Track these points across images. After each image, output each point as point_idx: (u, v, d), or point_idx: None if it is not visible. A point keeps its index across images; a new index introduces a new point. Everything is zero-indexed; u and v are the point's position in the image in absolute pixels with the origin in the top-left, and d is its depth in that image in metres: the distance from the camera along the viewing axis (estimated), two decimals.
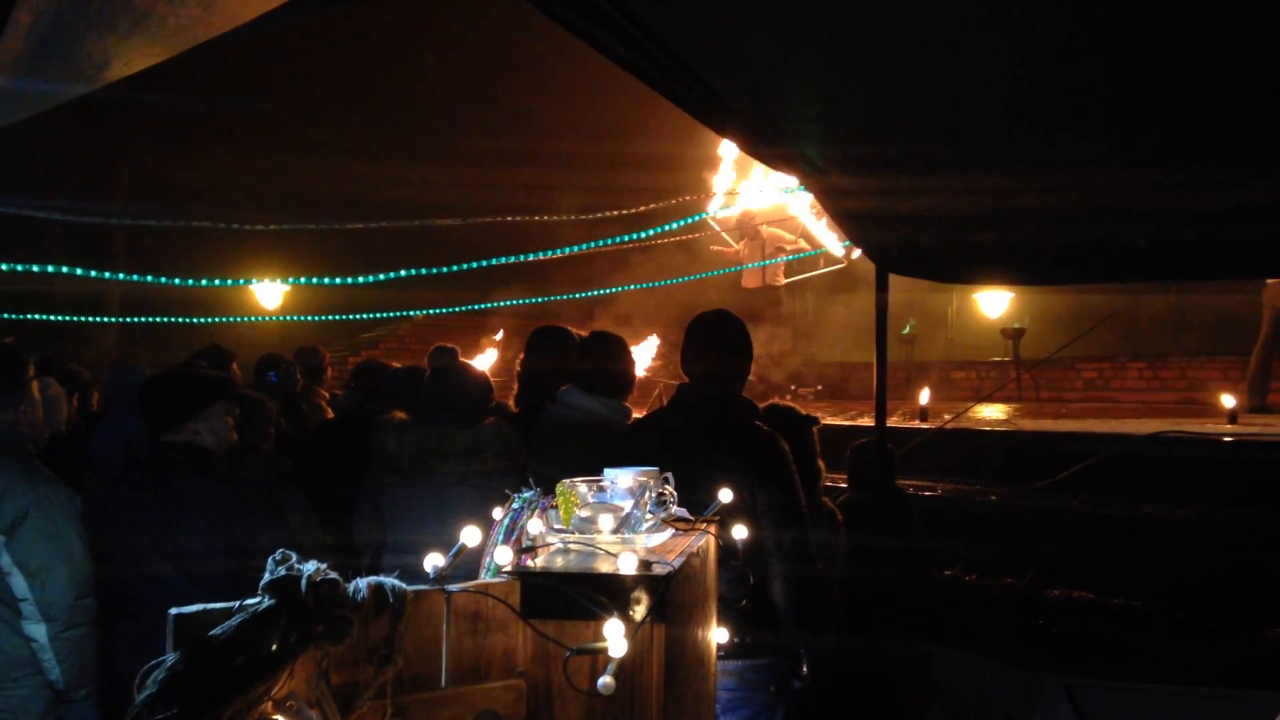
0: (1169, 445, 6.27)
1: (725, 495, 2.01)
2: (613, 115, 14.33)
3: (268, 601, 1.19)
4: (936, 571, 5.37)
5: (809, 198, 10.87)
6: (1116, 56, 3.12)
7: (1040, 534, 5.68)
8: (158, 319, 11.39)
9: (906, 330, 14.12)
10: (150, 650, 1.15)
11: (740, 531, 1.79)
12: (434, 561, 1.51)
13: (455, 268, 9.35)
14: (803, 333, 14.11)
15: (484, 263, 9.17)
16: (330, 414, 6.12)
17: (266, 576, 1.23)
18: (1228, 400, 8.40)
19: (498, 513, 2.38)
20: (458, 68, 16.83)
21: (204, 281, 9.44)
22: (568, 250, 9.39)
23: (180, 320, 11.10)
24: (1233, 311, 12.74)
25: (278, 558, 1.24)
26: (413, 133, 15.02)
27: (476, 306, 11.28)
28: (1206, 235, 3.89)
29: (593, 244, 9.32)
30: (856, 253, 11.24)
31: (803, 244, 11.66)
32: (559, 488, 1.67)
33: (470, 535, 1.51)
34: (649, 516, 1.65)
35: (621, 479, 1.76)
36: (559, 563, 1.51)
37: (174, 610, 1.21)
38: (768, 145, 4.20)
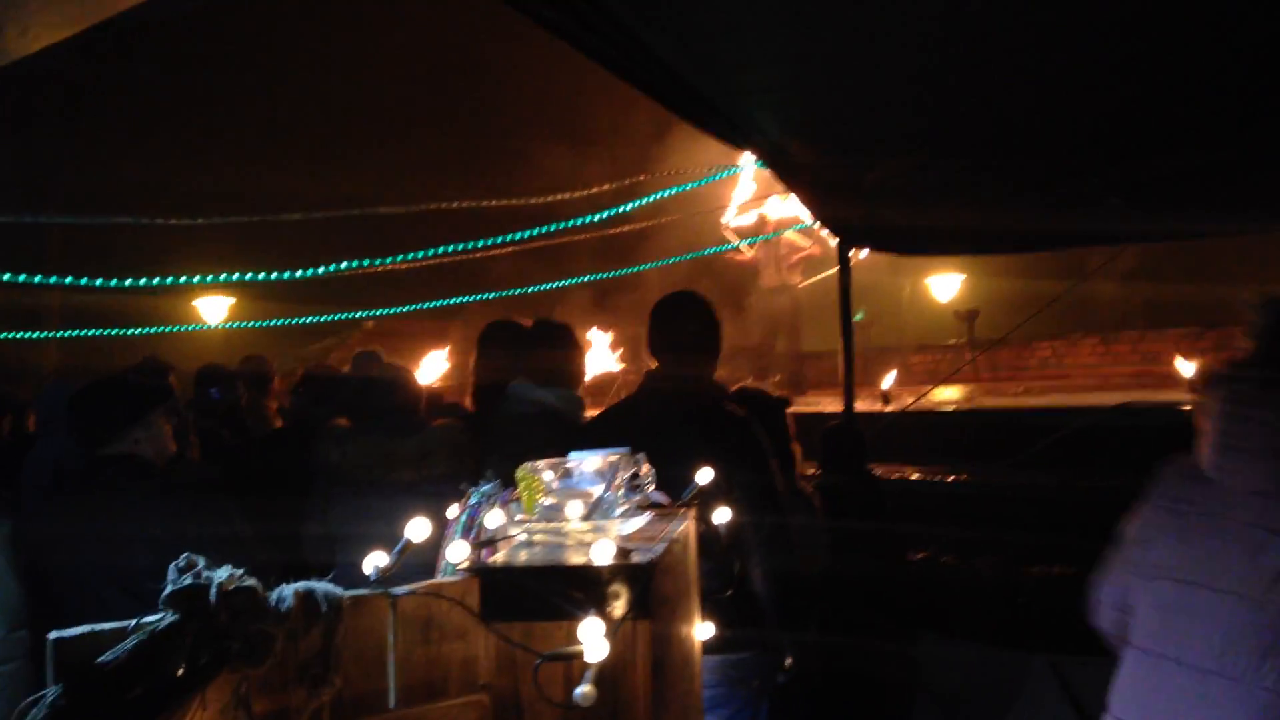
0: (1136, 415, 6.19)
1: (704, 476, 1.81)
2: (583, 103, 14.05)
3: (170, 617, 0.98)
4: (913, 555, 5.24)
5: None
6: (1079, 29, 3.01)
7: (1014, 511, 5.56)
8: (97, 332, 10.91)
9: (859, 316, 14.02)
10: None
11: (722, 515, 1.59)
12: (375, 561, 1.30)
13: (411, 255, 9.01)
14: (752, 320, 14.00)
15: (440, 250, 8.85)
16: (280, 424, 5.86)
17: (168, 586, 1.02)
18: (1185, 368, 8.38)
19: (454, 510, 2.17)
20: (416, 50, 16.34)
21: (142, 282, 8.99)
22: (524, 236, 9.05)
23: (121, 333, 10.66)
24: (1179, 287, 12.84)
25: (181, 564, 1.03)
26: (369, 123, 14.60)
27: (430, 305, 10.96)
28: (1168, 197, 3.78)
29: (556, 226, 9.01)
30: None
31: (816, 248, 11.53)
32: (520, 473, 1.47)
33: (418, 530, 1.30)
34: (623, 501, 1.45)
35: (589, 461, 1.57)
36: (523, 556, 1.31)
37: (53, 634, 1.00)
38: (723, 120, 4.04)
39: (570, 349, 4.01)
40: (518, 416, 3.85)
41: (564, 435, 3.77)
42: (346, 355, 14.67)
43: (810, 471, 4.66)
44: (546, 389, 3.84)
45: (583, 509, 1.46)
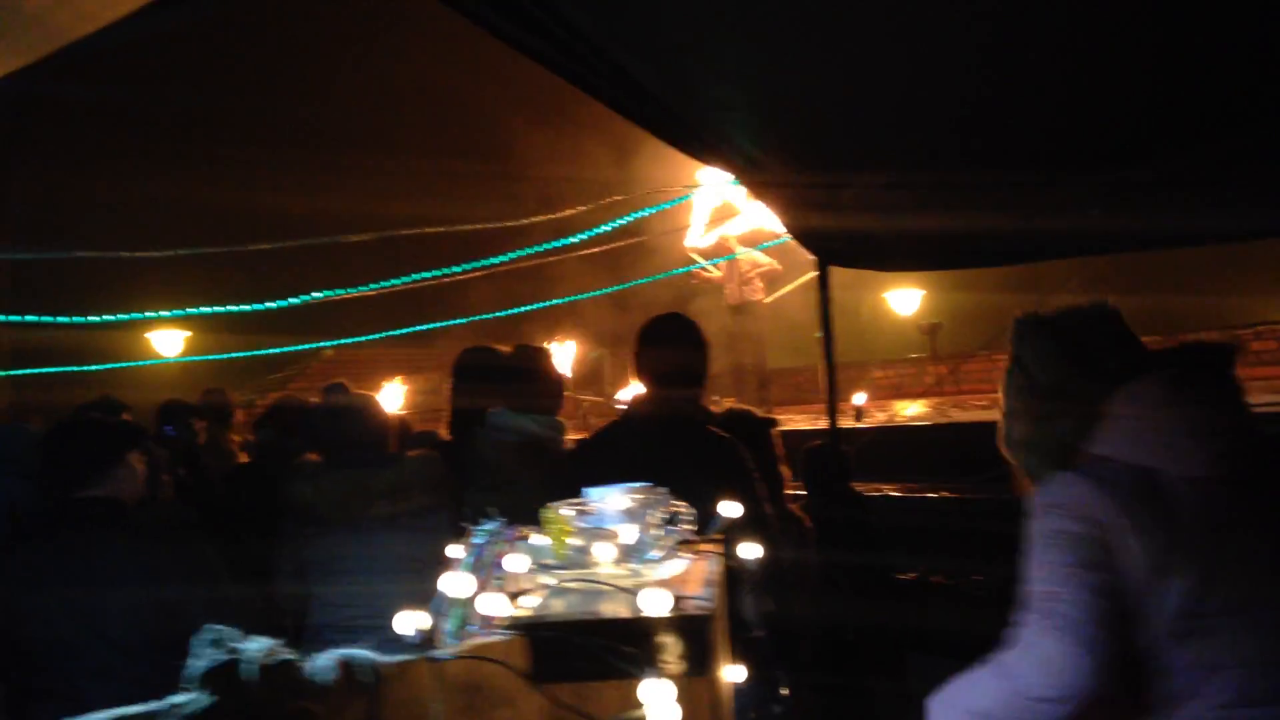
0: None
1: (730, 509, 1.73)
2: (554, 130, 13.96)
3: (204, 699, 0.88)
4: (902, 576, 5.17)
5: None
6: (1058, 46, 2.99)
7: (996, 525, 5.50)
8: (49, 370, 10.59)
9: (820, 334, 14.02)
10: None
11: (749, 551, 1.51)
12: (415, 622, 1.20)
13: (373, 286, 8.85)
14: (719, 342, 13.94)
15: (412, 278, 8.70)
16: (244, 458, 5.69)
17: (199, 663, 0.91)
18: None
19: (455, 549, 2.07)
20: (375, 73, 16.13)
21: (96, 319, 8.73)
22: (488, 262, 8.92)
23: (74, 370, 10.35)
24: (1141, 297, 12.95)
25: (210, 637, 0.93)
26: (329, 147, 14.39)
27: (392, 334, 10.79)
28: (1154, 207, 3.78)
29: (520, 252, 8.88)
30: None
31: (777, 265, 11.52)
32: (545, 514, 1.37)
33: (452, 585, 1.20)
34: (659, 543, 1.36)
35: (612, 499, 1.48)
36: (557, 607, 1.21)
37: None
38: (698, 139, 3.98)
39: (550, 375, 3.91)
40: (498, 445, 3.75)
41: (546, 463, 3.69)
42: (306, 385, 14.49)
43: (794, 492, 4.59)
44: (526, 416, 3.74)
45: (614, 552, 1.37)
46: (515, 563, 1.33)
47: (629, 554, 1.33)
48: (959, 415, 9.24)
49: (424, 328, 10.95)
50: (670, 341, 3.57)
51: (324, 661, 0.96)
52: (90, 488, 3.00)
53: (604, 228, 9.24)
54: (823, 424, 6.03)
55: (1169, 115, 3.38)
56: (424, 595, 3.78)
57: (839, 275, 12.46)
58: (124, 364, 11.30)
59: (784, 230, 11.47)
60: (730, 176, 4.68)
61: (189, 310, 9.48)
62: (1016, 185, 3.71)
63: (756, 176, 4.17)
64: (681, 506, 1.40)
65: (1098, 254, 4.87)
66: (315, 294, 8.79)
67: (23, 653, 2.86)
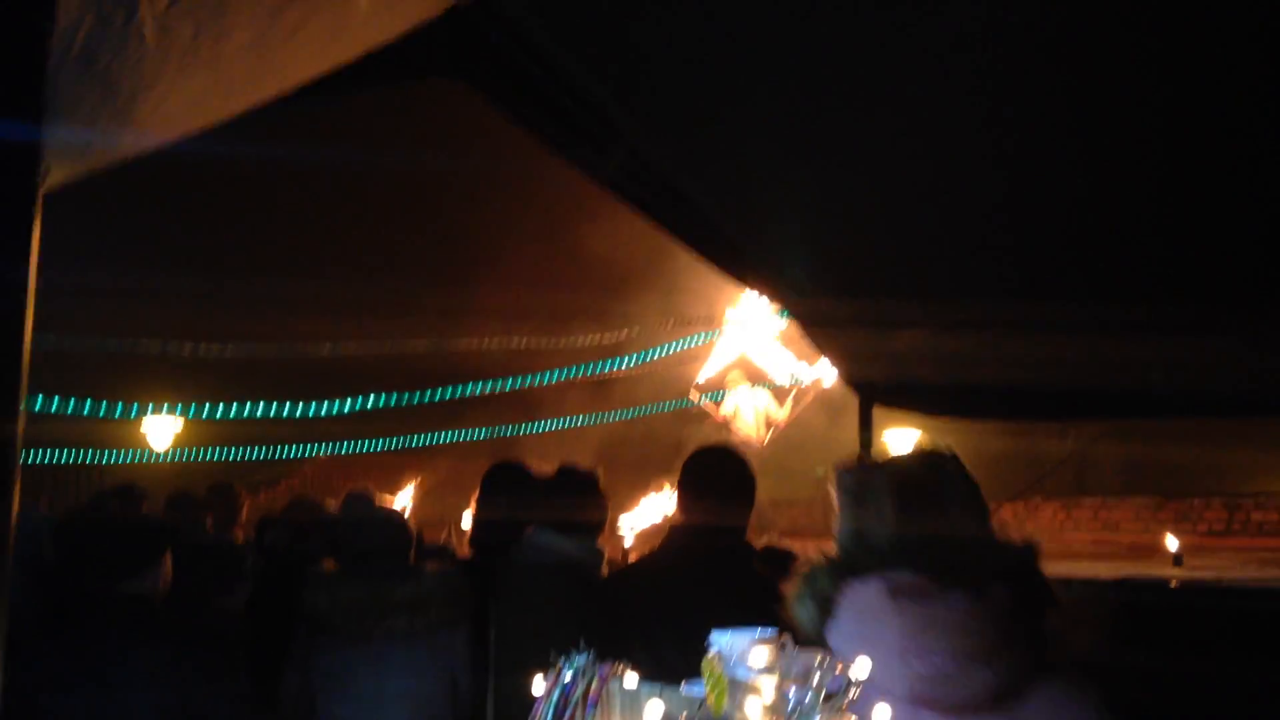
0: (1135, 591, 6.04)
1: (862, 669, 1.60)
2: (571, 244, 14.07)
3: None
4: None
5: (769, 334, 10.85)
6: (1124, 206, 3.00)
7: None
8: (44, 460, 10.34)
9: (820, 473, 13.98)
10: None
11: (883, 714, 1.39)
12: None
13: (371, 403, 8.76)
14: None
15: (419, 395, 8.62)
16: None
17: None
18: (1171, 542, 8.32)
19: (539, 686, 1.94)
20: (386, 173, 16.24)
21: (95, 410, 8.61)
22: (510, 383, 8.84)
23: (66, 462, 10.13)
24: (1137, 455, 12.99)
25: None
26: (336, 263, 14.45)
27: (393, 442, 10.65)
28: (1222, 376, 3.74)
29: (551, 375, 8.81)
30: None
31: (785, 417, 11.63)
32: (707, 664, 1.26)
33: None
34: (821, 709, 1.25)
35: (751, 650, 1.36)
36: None
37: None
38: (752, 267, 3.96)
39: (596, 498, 3.79)
40: (534, 565, 3.62)
41: (583, 588, 3.55)
42: (298, 485, 14.27)
43: None
44: (567, 538, 3.62)
45: (761, 712, 1.25)
46: (655, 710, 1.19)
47: (791, 714, 1.21)
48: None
49: (421, 443, 10.85)
50: (716, 475, 3.47)
51: None
52: (130, 584, 2.85)
53: (648, 354, 9.20)
54: None
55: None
56: (435, 715, 3.62)
57: (834, 413, 12.45)
58: (114, 454, 11.14)
59: (791, 378, 11.65)
60: (771, 306, 4.65)
61: (182, 412, 9.32)
62: (1084, 346, 3.68)
63: (804, 308, 4.14)
64: (850, 671, 1.28)
65: (1149, 418, 4.83)
66: (328, 407, 8.69)
67: None
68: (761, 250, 3.84)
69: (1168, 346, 3.57)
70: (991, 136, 2.71)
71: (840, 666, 1.26)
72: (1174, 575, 7.04)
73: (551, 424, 11.19)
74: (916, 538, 2.07)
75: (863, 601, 2.00)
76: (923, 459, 2.26)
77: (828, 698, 1.31)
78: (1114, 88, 2.38)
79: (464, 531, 6.76)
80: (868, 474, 2.28)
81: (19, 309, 0.89)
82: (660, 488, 8.34)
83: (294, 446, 11.62)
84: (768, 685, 1.29)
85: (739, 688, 1.29)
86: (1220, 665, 4.28)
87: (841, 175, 3.18)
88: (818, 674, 1.22)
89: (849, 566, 2.12)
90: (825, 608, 2.11)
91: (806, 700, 1.21)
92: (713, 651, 1.30)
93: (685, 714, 1.23)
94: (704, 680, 1.24)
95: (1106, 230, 3.17)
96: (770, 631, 1.65)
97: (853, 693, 1.24)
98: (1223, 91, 2.32)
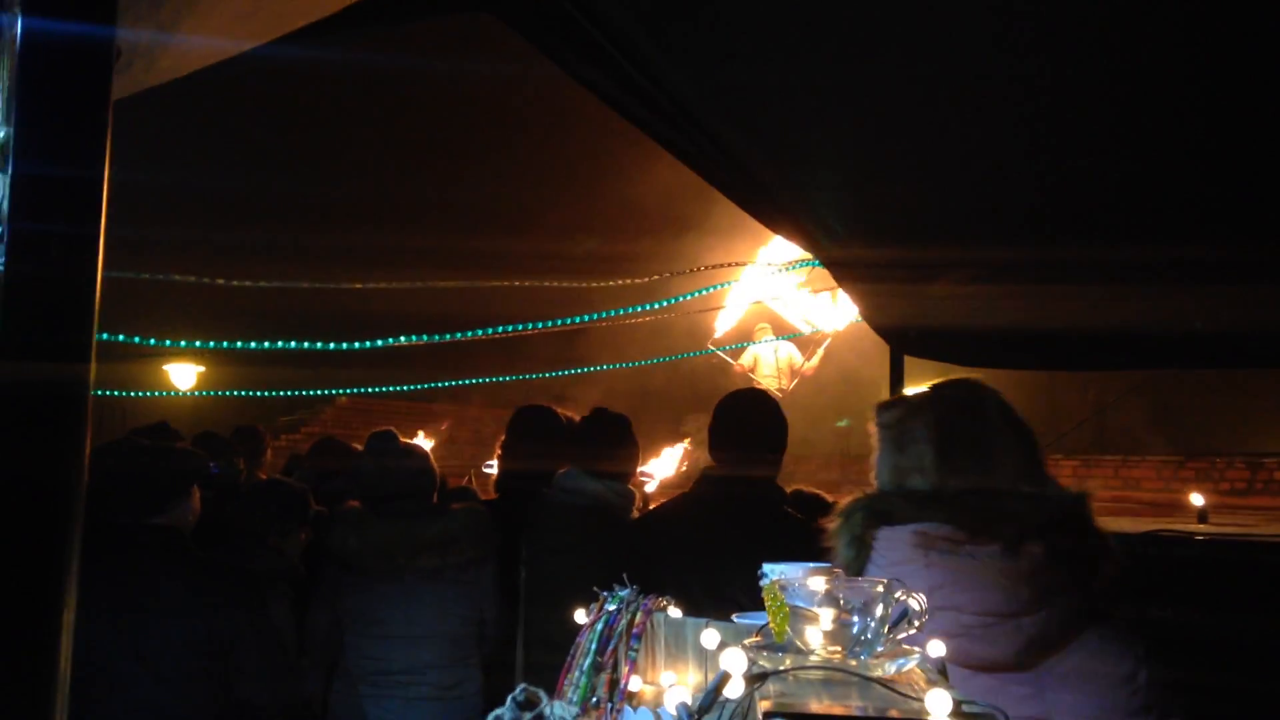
0: (1166, 545, 6.01)
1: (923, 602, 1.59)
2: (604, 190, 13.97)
3: None
4: None
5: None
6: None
7: None
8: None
9: (843, 423, 14.00)
10: None
11: (937, 649, 1.38)
12: (681, 692, 1.07)
13: (414, 338, 8.71)
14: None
15: (436, 337, 8.57)
16: None
17: None
18: (1196, 499, 8.29)
19: (581, 615, 1.94)
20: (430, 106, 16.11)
21: (121, 337, 8.58)
22: (541, 325, 8.77)
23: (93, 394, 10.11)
24: (1159, 412, 12.91)
25: (519, 698, 0.80)
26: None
27: (417, 386, 10.64)
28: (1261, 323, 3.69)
29: (579, 319, 8.74)
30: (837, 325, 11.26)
31: (811, 366, 11.57)
32: (768, 590, 1.24)
33: (734, 661, 1.07)
34: (887, 637, 1.23)
35: (808, 579, 1.35)
36: (818, 702, 1.07)
37: None
38: (781, 209, 3.91)
39: (628, 443, 3.79)
40: (565, 506, 3.63)
41: (614, 530, 3.56)
42: (318, 430, 14.33)
43: None
44: (600, 480, 3.62)
45: (821, 639, 1.24)
46: (732, 659, 1.18)
47: (853, 644, 1.20)
48: None
49: (445, 384, 10.85)
50: (749, 418, 3.47)
51: None
52: (158, 516, 2.87)
53: (680, 298, 9.10)
54: None
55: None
56: (461, 651, 3.65)
57: (858, 367, 12.39)
58: (135, 393, 11.17)
59: (810, 325, 11.59)
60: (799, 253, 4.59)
61: (206, 344, 9.27)
62: (1117, 293, 3.63)
63: (836, 254, 4.09)
64: (916, 601, 1.26)
65: (1182, 367, 4.78)
66: (370, 342, 8.62)
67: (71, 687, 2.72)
68: (796, 193, 3.78)
69: (1205, 292, 3.52)
70: (1029, 79, 2.66)
71: (901, 597, 1.25)
72: (1200, 531, 7.00)
73: (571, 371, 11.16)
74: (954, 489, 2.03)
75: (894, 549, 2.00)
76: (966, 401, 2.20)
77: (890, 629, 1.30)
78: (1151, 24, 2.33)
79: (486, 476, 6.79)
80: (909, 417, 2.24)
81: (93, 227, 0.86)
82: (682, 439, 8.36)
83: (316, 392, 11.66)
84: (826, 615, 1.28)
85: (799, 616, 1.27)
86: (1248, 618, 4.28)
87: (880, 118, 3.12)
88: (880, 604, 1.21)
89: (885, 512, 2.10)
90: (861, 549, 2.10)
91: (871, 630, 1.20)
92: (772, 578, 1.28)
93: (746, 641, 1.22)
94: (766, 606, 1.23)
95: (1145, 172, 3.11)
96: (822, 565, 1.64)
97: (916, 625, 1.23)
98: (1263, 23, 2.26)
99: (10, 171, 0.86)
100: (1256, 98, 2.57)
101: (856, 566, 2.12)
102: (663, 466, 7.35)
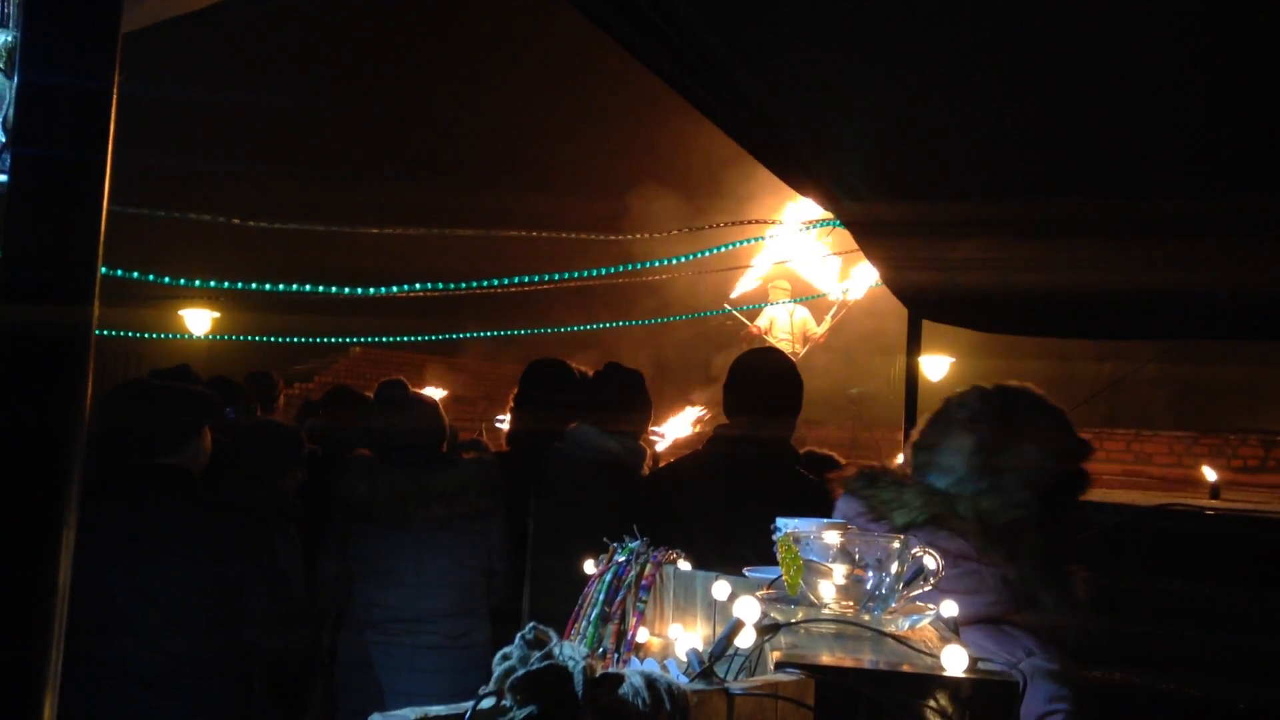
0: (1177, 519, 5.98)
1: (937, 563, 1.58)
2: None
3: (524, 710, 0.72)
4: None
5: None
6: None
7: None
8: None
9: (855, 390, 13.98)
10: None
11: (950, 609, 1.36)
12: (690, 644, 1.05)
13: (415, 287, 8.66)
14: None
15: (454, 285, 8.52)
16: None
17: (516, 668, 0.76)
18: (1209, 474, 8.22)
19: (590, 566, 1.93)
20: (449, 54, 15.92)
21: (135, 275, 8.50)
22: (556, 277, 8.71)
23: (103, 334, 10.13)
24: (1173, 388, 12.84)
25: (529, 637, 0.78)
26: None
27: (430, 338, 10.61)
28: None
29: (584, 273, 8.67)
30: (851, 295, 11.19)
31: (822, 333, 11.51)
32: (783, 541, 1.22)
33: (747, 609, 1.05)
34: (902, 594, 1.21)
35: (824, 534, 1.33)
36: (829, 655, 1.05)
37: (377, 716, 0.75)
38: (804, 167, 3.85)
39: (640, 398, 3.76)
40: (577, 460, 3.61)
41: (624, 485, 3.55)
42: (331, 379, 14.36)
43: None
44: (611, 436, 3.60)
45: (834, 593, 1.22)
46: (746, 607, 1.16)
47: (867, 599, 1.17)
48: None
49: (456, 336, 10.84)
50: (765, 376, 3.44)
51: (637, 682, 0.81)
52: (169, 455, 2.86)
53: (704, 253, 9.01)
54: None
55: None
56: (469, 600, 3.65)
57: (872, 337, 12.30)
58: (148, 335, 11.17)
59: (833, 292, 11.50)
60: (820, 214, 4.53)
61: (250, 284, 9.20)
62: (1142, 259, 3.58)
63: (858, 213, 4.03)
64: (933, 560, 1.24)
65: (1205, 339, 4.72)
66: (369, 288, 8.57)
67: (72, 617, 2.72)
68: (818, 150, 3.72)
69: (1229, 260, 3.47)
70: (1059, 33, 2.60)
71: (917, 554, 1.23)
72: (1211, 506, 6.95)
73: (585, 327, 11.13)
74: (889, 476, 2.16)
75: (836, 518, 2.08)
76: (948, 403, 2.26)
77: (904, 586, 1.28)
78: None
79: (497, 430, 6.79)
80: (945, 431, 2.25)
81: (99, 169, 0.82)
82: (692, 403, 8.33)
83: (330, 340, 11.65)
84: (839, 570, 1.26)
85: (812, 570, 1.25)
86: (1259, 590, 4.26)
87: (904, 76, 3.06)
88: (895, 561, 1.19)
89: (849, 483, 2.18)
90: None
91: (885, 586, 1.17)
92: (786, 533, 1.26)
93: (760, 592, 1.20)
94: (780, 559, 1.21)
95: (1174, 130, 3.05)
96: (836, 520, 1.62)
97: (930, 582, 1.21)
98: None
99: (17, 80, 0.82)
100: None
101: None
102: (674, 427, 7.34)
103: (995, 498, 2.02)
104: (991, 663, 1.00)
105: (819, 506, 3.17)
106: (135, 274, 8.09)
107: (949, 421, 2.19)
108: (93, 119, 0.82)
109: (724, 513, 3.14)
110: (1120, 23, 2.48)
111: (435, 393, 8.46)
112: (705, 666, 0.90)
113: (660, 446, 7.07)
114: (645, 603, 1.75)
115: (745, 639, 1.01)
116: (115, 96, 0.82)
